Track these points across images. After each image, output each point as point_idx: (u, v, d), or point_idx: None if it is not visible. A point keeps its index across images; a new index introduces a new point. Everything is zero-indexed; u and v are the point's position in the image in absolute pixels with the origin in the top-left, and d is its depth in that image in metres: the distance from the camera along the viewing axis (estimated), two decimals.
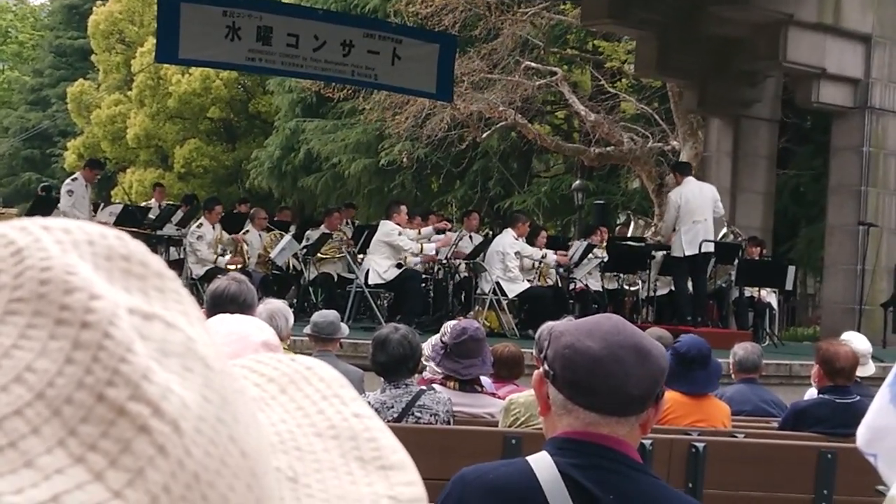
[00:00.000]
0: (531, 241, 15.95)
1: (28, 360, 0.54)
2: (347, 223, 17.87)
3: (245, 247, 15.69)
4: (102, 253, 0.59)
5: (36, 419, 0.53)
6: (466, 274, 15.60)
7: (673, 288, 16.28)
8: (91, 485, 0.52)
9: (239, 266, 15.08)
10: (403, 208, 15.08)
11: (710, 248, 15.42)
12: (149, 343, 0.56)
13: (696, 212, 15.11)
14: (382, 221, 15.01)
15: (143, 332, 0.57)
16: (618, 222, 25.04)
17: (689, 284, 15.53)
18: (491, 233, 17.20)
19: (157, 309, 0.58)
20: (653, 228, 21.06)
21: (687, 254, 15.08)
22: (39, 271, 0.55)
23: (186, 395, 0.56)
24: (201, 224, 15.49)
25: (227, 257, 15.39)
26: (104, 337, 0.54)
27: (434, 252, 14.92)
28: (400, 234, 14.49)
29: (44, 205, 16.60)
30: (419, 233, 15.52)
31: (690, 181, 15.54)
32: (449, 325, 6.55)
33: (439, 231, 15.82)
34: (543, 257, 15.69)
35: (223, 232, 15.68)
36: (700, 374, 6.50)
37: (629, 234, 19.69)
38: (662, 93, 24.21)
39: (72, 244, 0.58)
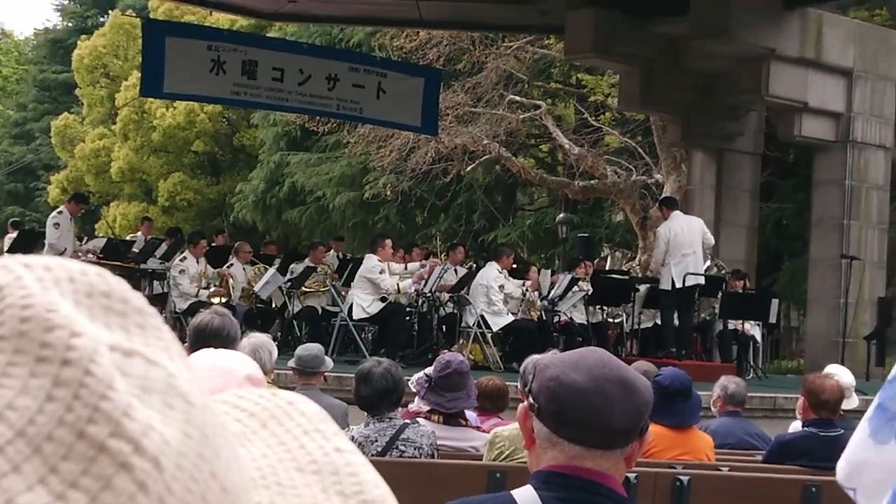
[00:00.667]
0: (521, 277, 15.98)
1: (9, 398, 0.54)
2: (338, 256, 17.85)
3: (230, 281, 15.66)
4: (83, 290, 0.59)
5: (17, 457, 0.53)
6: (451, 307, 15.60)
7: (658, 321, 16.30)
8: None
9: (222, 299, 15.05)
10: (388, 242, 15.11)
11: (700, 280, 15.45)
12: (130, 380, 0.56)
13: (685, 245, 15.17)
14: (367, 256, 15.02)
15: (124, 369, 0.57)
16: (600, 256, 25.08)
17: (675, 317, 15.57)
18: (475, 265, 17.17)
19: (139, 346, 0.58)
20: (635, 260, 21.11)
21: (677, 286, 15.11)
22: (20, 309, 0.55)
23: (167, 431, 0.56)
24: (185, 258, 15.46)
25: (211, 289, 15.36)
26: (85, 374, 0.54)
27: (413, 290, 14.90)
28: (382, 272, 14.50)
29: (26, 240, 16.58)
30: (405, 268, 15.52)
31: (678, 215, 15.60)
32: (436, 360, 6.54)
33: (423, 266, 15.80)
34: (526, 291, 15.73)
35: (208, 266, 15.65)
36: (683, 406, 6.49)
37: (607, 267, 19.72)
38: (646, 126, 24.33)
39: (53, 282, 0.58)
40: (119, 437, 0.54)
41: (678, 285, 15.12)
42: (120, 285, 0.61)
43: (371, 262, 14.65)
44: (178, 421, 0.57)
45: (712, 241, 15.78)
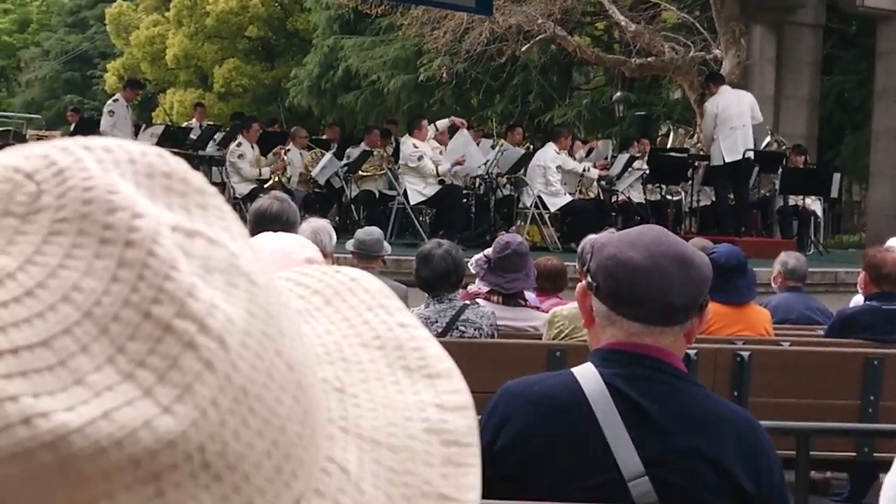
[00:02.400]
0: (571, 153, 15.88)
1: (74, 280, 0.54)
2: (392, 141, 17.82)
3: (286, 159, 15.74)
4: (143, 171, 0.59)
5: (84, 337, 0.53)
6: (508, 189, 15.57)
7: (713, 198, 16.19)
8: (140, 400, 0.53)
9: (280, 176, 15.19)
10: (425, 123, 15.07)
11: (749, 154, 15.28)
12: (192, 260, 0.57)
13: (734, 118, 14.98)
14: (403, 140, 14.97)
15: (187, 249, 0.57)
16: (660, 133, 24.84)
17: (731, 194, 15.44)
18: (532, 147, 17.07)
19: (200, 226, 0.59)
20: (694, 138, 20.87)
21: (727, 160, 14.98)
22: (82, 191, 0.55)
23: (231, 310, 0.56)
24: (240, 143, 15.52)
25: (268, 169, 15.45)
26: (148, 255, 0.55)
27: (452, 171, 14.78)
28: (420, 157, 14.43)
29: (86, 126, 16.69)
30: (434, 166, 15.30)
31: (726, 89, 15.41)
32: (495, 241, 6.56)
33: (454, 130, 15.54)
34: (585, 170, 15.63)
35: (261, 155, 15.71)
36: (739, 282, 6.48)
37: (670, 145, 19.54)
38: (704, 1, 23.83)
39: (113, 163, 0.58)
40: (184, 316, 0.54)
41: (728, 159, 14.97)
42: (180, 165, 0.61)
43: (408, 148, 14.60)
44: (241, 300, 0.57)
45: (761, 117, 15.54)
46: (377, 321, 0.70)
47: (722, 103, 15.07)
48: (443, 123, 15.59)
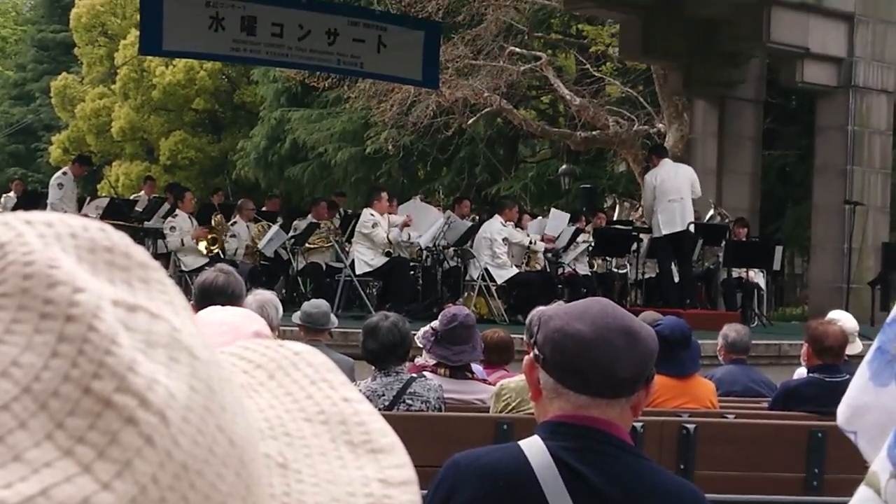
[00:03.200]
0: (518, 225, 15.97)
1: (14, 355, 0.54)
2: (339, 213, 17.83)
3: (222, 229, 15.66)
4: (85, 245, 0.59)
5: (23, 413, 0.53)
6: (455, 261, 15.60)
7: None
8: (80, 477, 0.52)
9: (209, 245, 15.13)
10: (384, 195, 15.08)
11: (684, 227, 15.40)
12: (134, 334, 0.56)
13: (671, 191, 15.13)
14: (364, 210, 14.98)
15: (128, 324, 0.56)
16: (605, 206, 25.06)
17: (674, 267, 15.56)
18: (478, 219, 17.16)
19: (142, 300, 0.58)
20: (639, 211, 21.08)
21: (664, 233, 15.12)
22: (22, 266, 0.55)
23: (173, 385, 0.56)
24: (176, 214, 15.50)
25: (193, 239, 15.31)
26: (89, 330, 0.54)
27: (398, 236, 14.78)
28: (375, 225, 14.45)
29: (29, 199, 16.58)
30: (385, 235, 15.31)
31: (666, 162, 15.57)
32: (441, 314, 6.56)
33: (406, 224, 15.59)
34: (532, 243, 15.73)
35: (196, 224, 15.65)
36: (684, 354, 6.51)
37: (615, 218, 19.71)
38: (647, 75, 24.21)
39: (54, 237, 0.58)
40: (124, 391, 0.54)
41: (665, 231, 15.13)
42: (122, 240, 0.60)
43: (365, 215, 14.65)
44: (183, 374, 0.57)
45: (699, 192, 15.66)
46: (321, 395, 0.70)
47: (661, 176, 15.23)
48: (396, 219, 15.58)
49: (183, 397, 0.56)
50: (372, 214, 14.56)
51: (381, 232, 14.45)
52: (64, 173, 16.51)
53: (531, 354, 2.38)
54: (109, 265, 0.59)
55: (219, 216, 15.86)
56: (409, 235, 14.95)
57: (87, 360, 0.54)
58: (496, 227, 15.02)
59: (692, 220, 15.44)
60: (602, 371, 2.25)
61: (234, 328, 2.36)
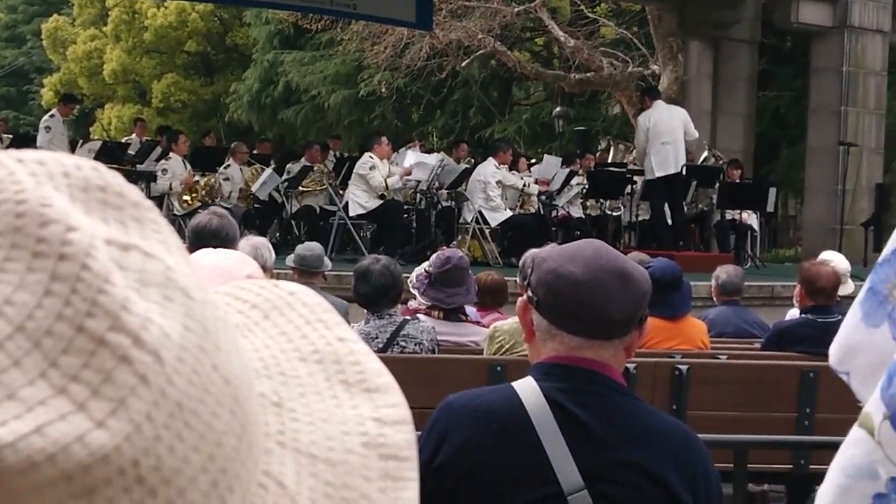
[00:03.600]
0: (513, 168, 15.94)
1: (7, 294, 0.53)
2: (332, 156, 17.77)
3: (216, 183, 15.55)
4: (78, 184, 0.58)
5: (17, 352, 0.53)
6: (449, 203, 15.59)
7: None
8: (74, 415, 0.52)
9: (195, 196, 15.03)
10: (384, 140, 14.97)
11: (680, 168, 15.39)
12: (127, 273, 0.56)
13: (665, 133, 15.11)
14: (365, 154, 14.88)
15: (121, 263, 0.56)
16: (599, 148, 25.00)
17: (667, 208, 15.56)
18: (473, 161, 17.13)
19: (135, 239, 0.58)
20: (633, 153, 21.04)
21: (657, 175, 15.13)
22: (15, 204, 0.55)
23: (167, 324, 0.56)
24: (170, 157, 15.43)
25: (182, 185, 15.21)
26: (82, 268, 0.54)
27: (399, 184, 14.74)
28: (372, 167, 14.35)
29: (21, 143, 16.51)
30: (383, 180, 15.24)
31: (659, 104, 15.54)
32: (434, 255, 6.57)
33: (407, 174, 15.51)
34: (525, 185, 15.71)
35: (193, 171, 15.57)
36: (675, 296, 6.53)
37: (609, 160, 19.68)
38: (642, 17, 24.06)
39: (47, 176, 0.57)
40: (118, 330, 0.54)
41: (658, 174, 15.12)
42: (115, 179, 0.60)
43: (364, 157, 14.59)
44: (177, 314, 0.57)
45: (695, 133, 15.65)
46: (316, 335, 0.70)
47: (654, 118, 15.21)
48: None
49: (177, 336, 0.56)
50: (371, 157, 14.49)
51: (378, 175, 14.38)
52: (51, 115, 16.40)
53: (525, 296, 2.38)
54: (103, 204, 0.59)
55: (207, 179, 15.64)
56: (408, 184, 14.91)
57: (80, 299, 0.54)
58: (490, 170, 14.99)
59: (685, 162, 15.42)
60: (595, 312, 2.26)
61: (227, 271, 2.36)
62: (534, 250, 5.71)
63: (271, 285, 0.74)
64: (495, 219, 14.85)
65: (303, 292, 0.73)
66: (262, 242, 6.18)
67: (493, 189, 14.85)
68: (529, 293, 2.35)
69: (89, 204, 0.58)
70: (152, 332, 0.55)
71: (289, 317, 0.71)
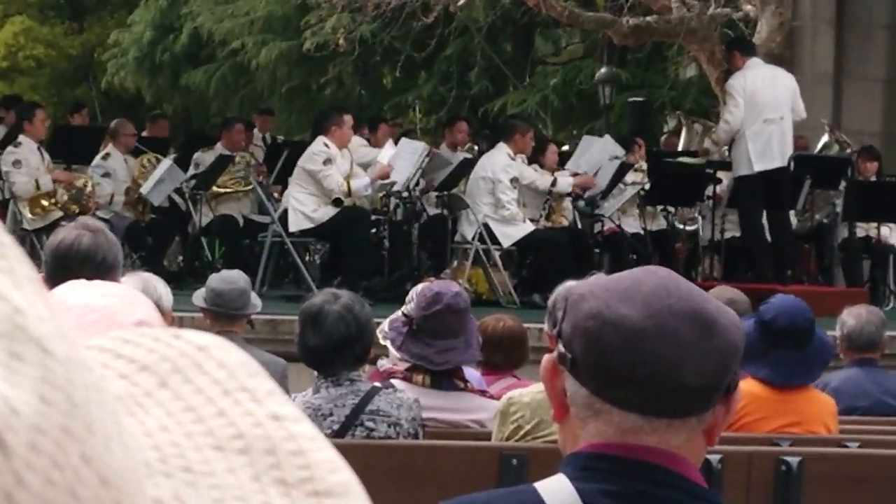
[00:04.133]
0: (535, 160, 15.93)
1: None
2: (265, 138, 17.79)
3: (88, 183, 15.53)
4: None
5: None
6: (439, 212, 15.61)
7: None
8: None
9: (71, 190, 14.99)
10: (347, 119, 14.83)
11: (786, 160, 15.35)
12: None
13: (768, 107, 15.06)
14: (317, 139, 14.74)
15: None
16: (665, 129, 25.06)
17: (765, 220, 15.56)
18: (476, 149, 17.15)
19: None
20: (714, 136, 21.09)
21: (756, 170, 15.03)
22: None
23: (14, 395, 0.56)
24: (20, 143, 15.35)
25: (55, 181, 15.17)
26: None
27: (368, 190, 14.68)
28: (327, 160, 14.22)
29: None
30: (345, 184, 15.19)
31: (756, 63, 15.49)
32: (416, 291, 6.56)
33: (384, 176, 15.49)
34: (554, 183, 15.72)
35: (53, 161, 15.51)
36: (796, 355, 6.52)
37: (681, 147, 19.73)
38: None
39: None
40: None
41: (758, 168, 15.01)
42: None
43: (316, 145, 14.45)
44: (30, 379, 0.57)
45: (803, 114, 15.60)
46: (238, 412, 0.70)
47: (752, 82, 15.16)
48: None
49: (31, 414, 0.56)
50: (326, 146, 14.36)
51: (334, 175, 14.27)
52: None
53: (554, 353, 2.38)
54: None
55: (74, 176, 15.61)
56: (385, 189, 14.87)
57: None
58: (501, 163, 14.97)
59: (789, 151, 15.39)
60: (662, 377, 2.26)
61: (106, 315, 2.35)
62: (568, 283, 5.70)
63: (170, 337, 0.74)
64: (509, 235, 14.85)
65: (217, 347, 0.73)
66: (152, 278, 6.20)
67: (505, 191, 14.84)
68: (561, 348, 2.35)
69: None
70: None
71: (197, 384, 0.71)
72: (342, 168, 14.41)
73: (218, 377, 0.72)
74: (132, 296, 2.55)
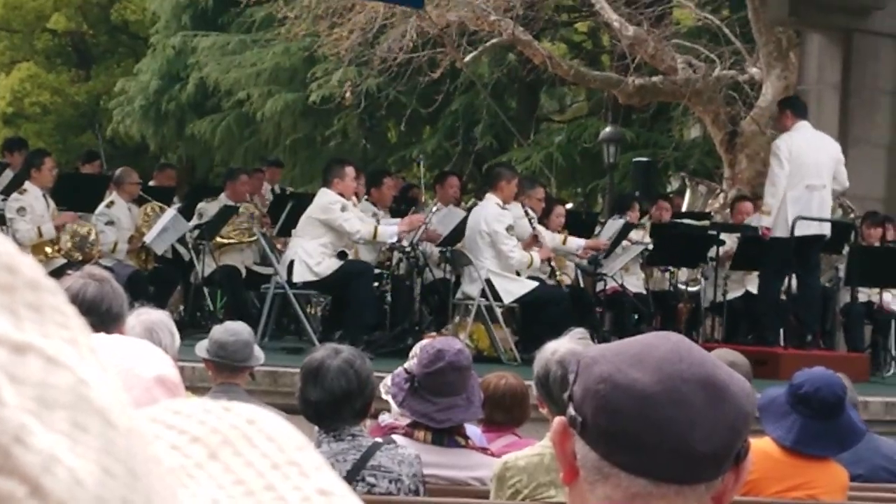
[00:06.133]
0: (542, 221, 15.89)
1: None
2: (272, 189, 17.81)
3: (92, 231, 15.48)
4: None
5: None
6: (440, 268, 15.60)
7: (750, 287, 16.29)
8: None
9: (75, 237, 14.93)
10: (350, 171, 14.79)
11: (826, 228, 15.28)
12: (23, 388, 0.57)
13: (812, 172, 14.90)
14: (321, 191, 14.74)
15: (14, 372, 0.57)
16: (669, 190, 25.07)
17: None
18: (477, 204, 17.15)
19: (33, 336, 0.59)
20: (720, 198, 21.09)
21: (796, 234, 14.82)
22: None
23: (79, 465, 0.56)
24: (25, 189, 15.35)
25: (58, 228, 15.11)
26: None
27: (395, 238, 14.67)
28: (343, 208, 14.20)
29: None
30: (375, 215, 15.27)
31: (806, 127, 15.36)
32: (419, 347, 6.56)
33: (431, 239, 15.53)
34: (564, 241, 15.70)
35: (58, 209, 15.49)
36: (816, 425, 6.49)
37: (685, 207, 19.74)
38: None
39: None
40: (9, 473, 0.55)
41: (796, 232, 14.81)
42: (3, 247, 0.61)
43: (326, 196, 14.39)
44: (94, 450, 0.58)
45: (846, 183, 15.47)
46: (287, 486, 0.71)
47: (799, 145, 15.05)
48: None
49: (93, 484, 0.57)
50: (336, 196, 14.31)
51: (353, 219, 14.18)
52: None
53: (566, 415, 2.39)
54: None
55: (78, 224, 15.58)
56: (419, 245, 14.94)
57: None
58: (493, 213, 14.81)
59: (817, 214, 15.26)
60: (672, 443, 2.26)
61: (123, 371, 2.33)
62: (556, 347, 5.69)
63: (220, 409, 0.74)
64: (511, 292, 14.79)
65: (266, 421, 0.74)
66: (160, 322, 6.18)
67: (504, 241, 14.70)
68: (572, 411, 2.35)
69: None
70: (59, 478, 0.56)
71: (247, 457, 0.72)
72: (358, 214, 14.46)
73: (267, 450, 0.72)
74: (148, 350, 2.53)
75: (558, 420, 2.40)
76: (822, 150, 15.16)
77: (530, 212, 15.25)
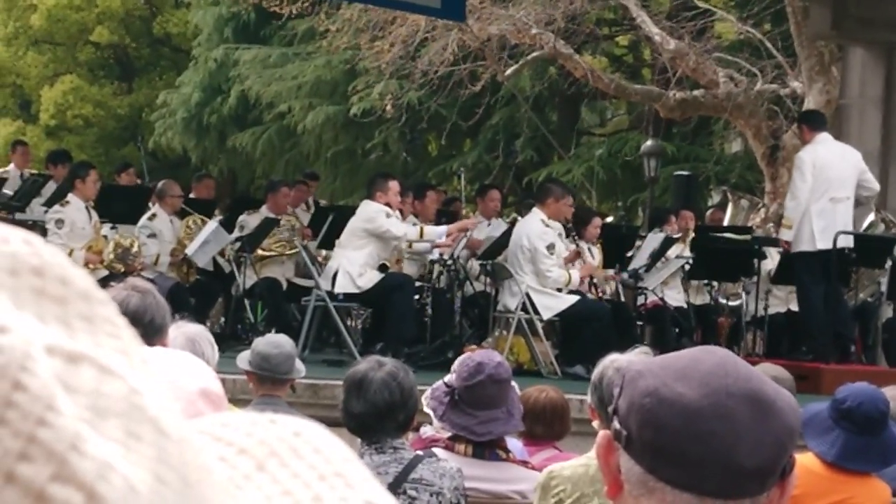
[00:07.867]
0: (578, 231, 15.87)
1: None
2: (307, 204, 17.85)
3: (125, 241, 15.49)
4: (5, 265, 0.59)
5: None
6: (480, 281, 15.59)
7: (792, 305, 16.25)
8: None
9: (96, 260, 14.89)
10: (394, 185, 14.78)
11: (850, 241, 15.29)
12: (78, 397, 0.57)
13: (835, 185, 14.89)
14: (364, 202, 14.74)
15: (69, 382, 0.57)
16: (710, 203, 25.02)
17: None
18: (519, 217, 17.15)
19: (86, 346, 0.59)
20: (762, 212, 21.06)
21: (819, 247, 14.84)
22: None
23: (133, 473, 0.57)
24: (68, 202, 15.37)
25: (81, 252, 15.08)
26: (14, 389, 0.55)
27: (439, 237, 14.60)
28: (388, 215, 14.18)
29: None
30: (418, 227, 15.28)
31: (826, 139, 15.32)
32: (459, 361, 6.55)
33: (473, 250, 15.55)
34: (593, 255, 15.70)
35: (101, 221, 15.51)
36: (858, 440, 6.47)
37: (727, 221, 19.69)
38: (778, 9, 24.20)
39: None
40: (65, 480, 0.55)
41: (822, 246, 14.87)
42: (56, 259, 0.61)
43: (370, 207, 14.39)
44: (147, 458, 0.58)
45: (876, 186, 15.51)
46: (334, 497, 0.71)
47: (822, 157, 14.98)
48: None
49: (148, 491, 0.57)
50: (379, 206, 14.31)
51: (396, 224, 14.21)
52: None
53: (611, 429, 2.38)
54: (38, 294, 0.60)
55: (120, 236, 15.60)
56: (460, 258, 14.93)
57: (11, 434, 0.55)
58: (536, 230, 14.83)
59: (842, 227, 15.28)
60: (717, 457, 2.25)
61: (170, 382, 2.34)
62: (617, 358, 5.69)
63: (266, 421, 0.74)
64: (550, 308, 14.77)
65: (312, 433, 0.74)
66: (200, 333, 6.20)
67: (544, 259, 14.70)
68: (617, 425, 2.35)
69: (20, 294, 0.59)
70: (113, 485, 0.56)
71: (294, 468, 0.72)
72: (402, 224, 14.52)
73: (314, 462, 0.73)
74: (193, 363, 2.54)
75: (603, 434, 2.39)
76: (846, 162, 15.13)
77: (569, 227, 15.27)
